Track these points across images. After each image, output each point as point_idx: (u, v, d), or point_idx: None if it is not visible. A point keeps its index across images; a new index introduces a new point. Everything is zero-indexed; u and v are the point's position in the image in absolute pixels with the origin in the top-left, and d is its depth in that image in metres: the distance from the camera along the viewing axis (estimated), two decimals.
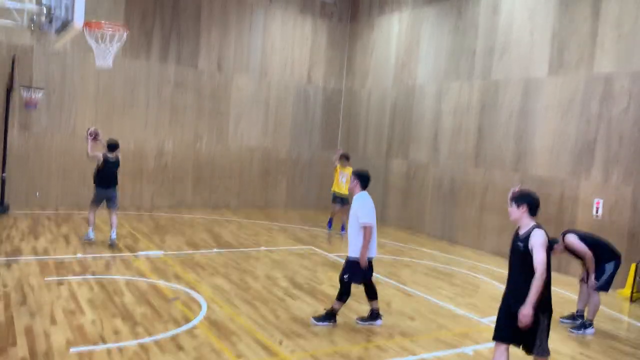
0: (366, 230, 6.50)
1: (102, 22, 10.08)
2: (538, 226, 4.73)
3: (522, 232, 4.77)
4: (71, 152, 13.88)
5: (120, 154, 10.47)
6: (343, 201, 12.63)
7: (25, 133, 13.42)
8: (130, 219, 13.07)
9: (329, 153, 17.59)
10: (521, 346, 4.89)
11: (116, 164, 10.20)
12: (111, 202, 10.16)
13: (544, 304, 4.75)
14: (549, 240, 4.77)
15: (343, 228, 12.73)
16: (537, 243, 4.61)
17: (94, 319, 6.39)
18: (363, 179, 6.77)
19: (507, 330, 4.83)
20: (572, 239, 7.19)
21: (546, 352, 4.86)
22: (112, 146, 10.26)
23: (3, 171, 12.79)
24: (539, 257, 4.58)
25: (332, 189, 13.12)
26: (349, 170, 12.43)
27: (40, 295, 7.09)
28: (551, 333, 7.12)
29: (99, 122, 14.19)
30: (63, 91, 13.76)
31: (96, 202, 10.23)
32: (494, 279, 9.90)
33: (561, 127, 10.89)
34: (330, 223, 13.29)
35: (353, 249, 6.64)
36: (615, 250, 7.47)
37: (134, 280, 8.10)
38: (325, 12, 17.16)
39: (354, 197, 6.70)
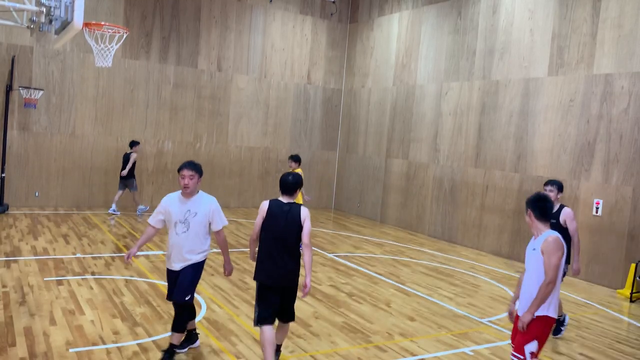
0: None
1: (102, 22, 10.08)
2: (267, 200, 5.27)
3: None
4: (71, 152, 13.87)
5: (135, 153, 13.48)
6: None
7: (25, 133, 13.42)
8: (130, 219, 13.07)
9: (329, 153, 17.60)
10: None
11: (126, 158, 13.43)
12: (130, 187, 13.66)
13: (256, 272, 5.22)
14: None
15: None
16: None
17: (93, 319, 6.38)
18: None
19: None
20: (572, 214, 6.83)
21: (256, 322, 5.12)
22: (130, 143, 13.72)
23: (2, 171, 12.79)
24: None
25: None
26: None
27: (40, 295, 7.08)
28: (551, 334, 7.15)
29: (99, 122, 14.21)
30: (63, 91, 13.76)
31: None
32: (493, 279, 9.90)
33: (561, 127, 10.89)
34: None
35: (200, 255, 5.46)
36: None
37: (134, 280, 8.09)
38: (325, 12, 17.16)
39: (198, 196, 5.37)
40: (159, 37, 14.76)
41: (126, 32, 9.57)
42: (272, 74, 16.45)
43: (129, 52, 14.35)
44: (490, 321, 7.45)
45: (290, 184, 5.25)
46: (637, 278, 9.24)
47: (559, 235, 4.58)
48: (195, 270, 5.41)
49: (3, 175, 12.78)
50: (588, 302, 8.88)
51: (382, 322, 7.06)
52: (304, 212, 5.19)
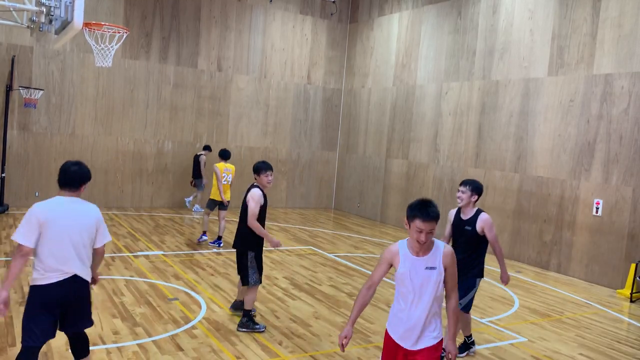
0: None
1: (102, 22, 10.08)
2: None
3: None
4: (71, 152, 13.86)
5: (204, 155, 14.48)
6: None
7: (25, 133, 13.42)
8: (130, 219, 13.07)
9: (329, 153, 17.60)
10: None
11: (196, 159, 14.52)
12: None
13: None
14: None
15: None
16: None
17: (93, 319, 6.37)
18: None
19: None
20: (491, 221, 5.86)
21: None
22: (204, 147, 14.95)
23: (2, 171, 12.79)
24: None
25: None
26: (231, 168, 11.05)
27: None
28: (551, 334, 7.16)
29: (99, 122, 14.21)
30: (63, 91, 13.76)
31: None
32: (493, 279, 9.89)
33: (561, 127, 10.89)
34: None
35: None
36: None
37: (134, 280, 8.09)
38: (325, 12, 17.16)
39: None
40: (159, 37, 14.76)
41: (126, 32, 9.57)
42: (272, 74, 16.45)
43: (128, 52, 14.35)
44: (490, 321, 7.45)
45: (254, 168, 6.53)
46: (637, 278, 9.24)
47: None
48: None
49: (3, 175, 12.78)
50: (588, 302, 8.88)
51: (382, 322, 7.05)
52: (249, 194, 6.33)
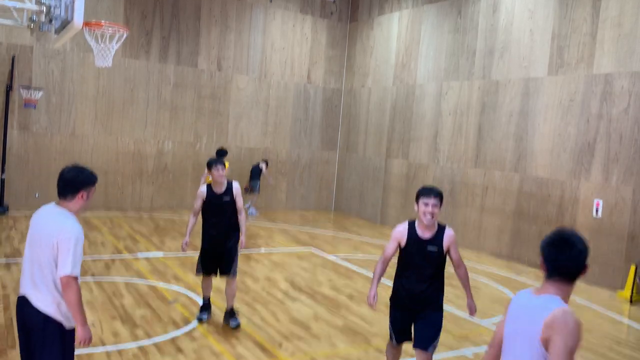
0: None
1: (102, 21, 10.06)
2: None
3: None
4: (71, 153, 13.85)
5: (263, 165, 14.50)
6: None
7: (25, 133, 13.41)
8: (130, 219, 13.06)
9: (329, 153, 17.59)
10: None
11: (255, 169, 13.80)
12: None
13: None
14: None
15: None
16: None
17: (93, 321, 6.37)
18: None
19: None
20: (455, 236, 4.73)
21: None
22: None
23: (2, 171, 12.78)
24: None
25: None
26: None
27: None
28: None
29: (99, 122, 14.19)
30: (63, 91, 13.74)
31: None
32: (493, 280, 9.89)
33: (561, 127, 10.88)
34: None
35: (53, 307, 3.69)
36: None
37: (134, 282, 8.09)
38: (325, 11, 17.14)
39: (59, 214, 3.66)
40: (159, 36, 14.74)
41: (126, 32, 9.55)
42: (272, 73, 16.43)
43: (129, 52, 14.34)
44: (490, 323, 7.44)
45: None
46: (637, 279, 9.23)
47: None
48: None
49: (3, 175, 12.77)
50: (588, 303, 8.88)
51: (382, 324, 7.04)
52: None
